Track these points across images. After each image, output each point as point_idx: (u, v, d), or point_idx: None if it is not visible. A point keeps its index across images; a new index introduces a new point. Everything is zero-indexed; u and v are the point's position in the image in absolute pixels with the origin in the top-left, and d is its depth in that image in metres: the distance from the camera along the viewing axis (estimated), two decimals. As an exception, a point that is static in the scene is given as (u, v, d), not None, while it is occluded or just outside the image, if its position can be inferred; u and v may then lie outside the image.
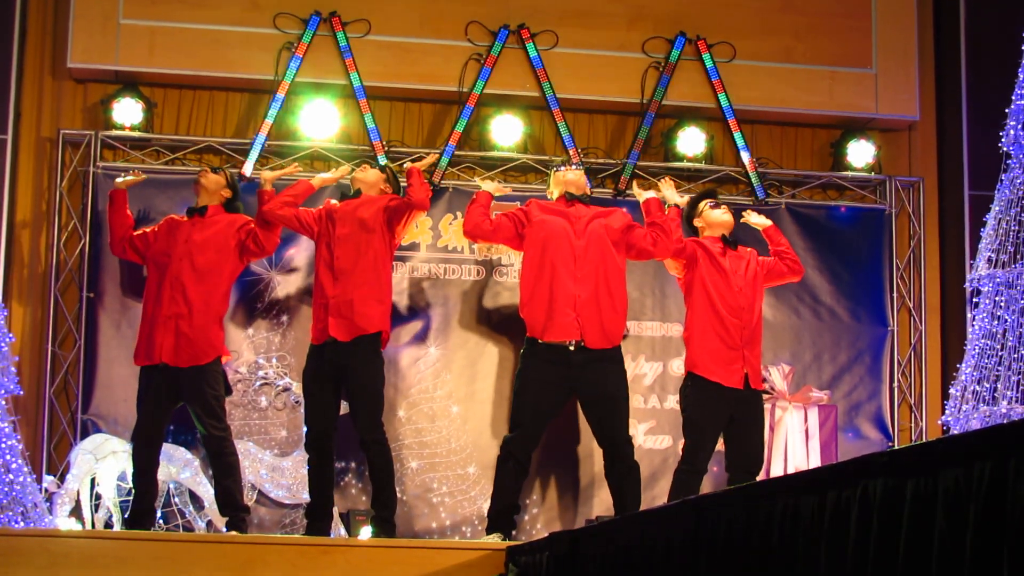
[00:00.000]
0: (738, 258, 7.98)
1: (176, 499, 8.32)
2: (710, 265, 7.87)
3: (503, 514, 7.65)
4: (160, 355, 7.68)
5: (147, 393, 7.74)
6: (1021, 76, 8.24)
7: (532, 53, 9.26)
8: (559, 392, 7.72)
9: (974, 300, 8.49)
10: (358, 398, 7.67)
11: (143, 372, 7.81)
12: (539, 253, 7.84)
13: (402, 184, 8.12)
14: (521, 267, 8.07)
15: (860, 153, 9.61)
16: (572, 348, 7.65)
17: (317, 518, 7.65)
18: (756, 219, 8.37)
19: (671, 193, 8.12)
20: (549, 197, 8.13)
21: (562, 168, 8.16)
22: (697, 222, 8.10)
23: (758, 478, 7.67)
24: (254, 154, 8.95)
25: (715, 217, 8.04)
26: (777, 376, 8.79)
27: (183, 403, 7.75)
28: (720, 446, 7.96)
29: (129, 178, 8.32)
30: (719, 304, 7.78)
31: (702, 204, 8.10)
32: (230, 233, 7.94)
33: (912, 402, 9.49)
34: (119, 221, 8.18)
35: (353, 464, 8.66)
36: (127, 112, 8.94)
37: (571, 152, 9.14)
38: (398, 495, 8.75)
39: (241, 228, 7.97)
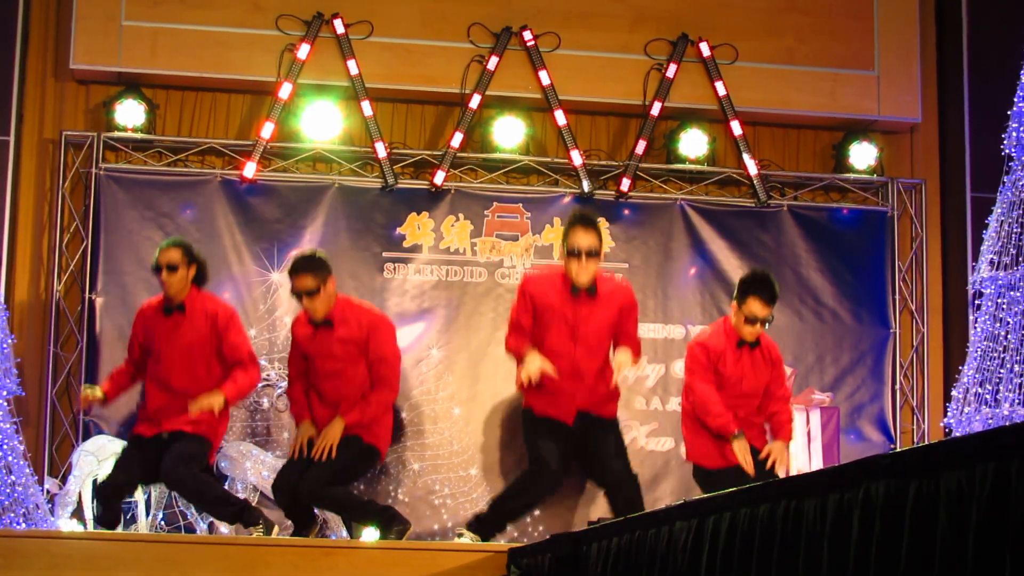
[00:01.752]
0: (752, 356, 7.58)
1: (178, 501, 8.31)
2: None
3: (495, 522, 7.60)
4: (162, 429, 7.44)
5: (138, 461, 7.44)
6: (1023, 78, 8.24)
7: (534, 55, 9.25)
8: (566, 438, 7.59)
9: (976, 302, 8.49)
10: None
11: (139, 438, 7.53)
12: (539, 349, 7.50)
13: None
14: None
15: (862, 155, 9.60)
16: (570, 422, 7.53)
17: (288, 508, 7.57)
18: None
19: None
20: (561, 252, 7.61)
21: (573, 227, 7.50)
22: (733, 316, 7.54)
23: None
24: (255, 156, 8.96)
25: (744, 331, 7.50)
26: (779, 378, 8.78)
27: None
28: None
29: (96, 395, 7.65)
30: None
31: (747, 305, 7.42)
32: (211, 335, 7.51)
33: (914, 404, 9.49)
34: (127, 384, 7.81)
35: (355, 466, 8.66)
36: (129, 113, 8.94)
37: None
38: (400, 497, 8.77)
39: (221, 341, 7.51)
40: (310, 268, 7.50)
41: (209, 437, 7.46)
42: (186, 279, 7.51)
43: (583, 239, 7.41)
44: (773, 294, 7.48)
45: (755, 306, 7.41)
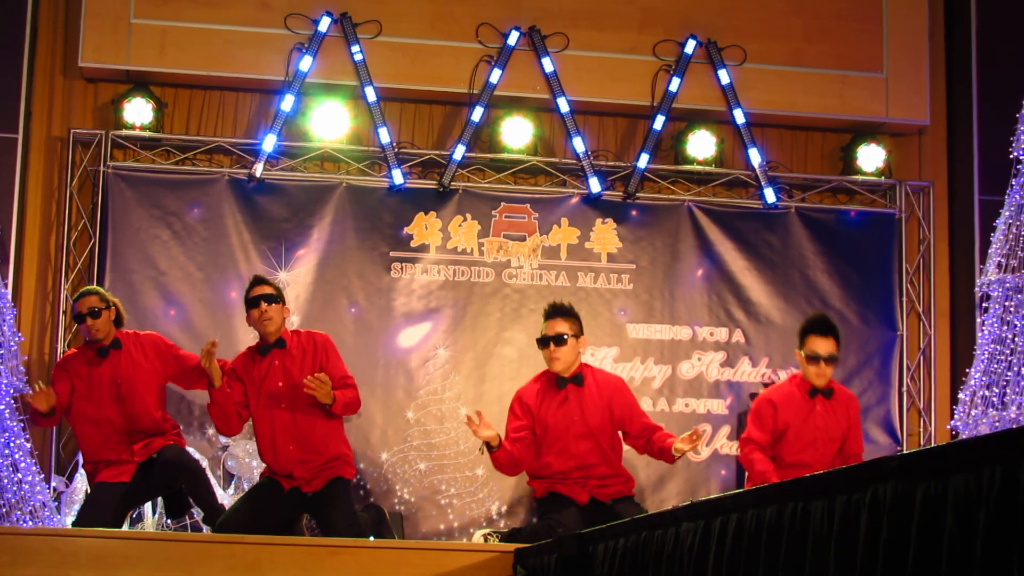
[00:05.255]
0: (826, 407, 7.60)
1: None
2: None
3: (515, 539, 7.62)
4: (146, 456, 7.40)
5: (122, 498, 7.40)
6: (1032, 81, 8.25)
7: (543, 55, 9.25)
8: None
9: (984, 305, 8.48)
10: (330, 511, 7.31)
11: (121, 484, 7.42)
12: (540, 447, 7.48)
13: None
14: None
15: (870, 157, 9.60)
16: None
17: None
18: None
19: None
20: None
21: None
22: (800, 366, 7.70)
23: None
24: (263, 156, 8.97)
25: (809, 372, 7.58)
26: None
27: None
28: None
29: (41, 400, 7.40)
30: (781, 453, 7.55)
31: (806, 344, 7.55)
32: (158, 362, 7.55)
33: (921, 407, 9.47)
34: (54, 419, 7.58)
35: (362, 465, 8.66)
36: (138, 112, 8.95)
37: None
38: (406, 496, 8.78)
39: (172, 363, 7.61)
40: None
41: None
42: (110, 320, 7.54)
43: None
44: (829, 327, 7.54)
45: (814, 342, 7.49)
